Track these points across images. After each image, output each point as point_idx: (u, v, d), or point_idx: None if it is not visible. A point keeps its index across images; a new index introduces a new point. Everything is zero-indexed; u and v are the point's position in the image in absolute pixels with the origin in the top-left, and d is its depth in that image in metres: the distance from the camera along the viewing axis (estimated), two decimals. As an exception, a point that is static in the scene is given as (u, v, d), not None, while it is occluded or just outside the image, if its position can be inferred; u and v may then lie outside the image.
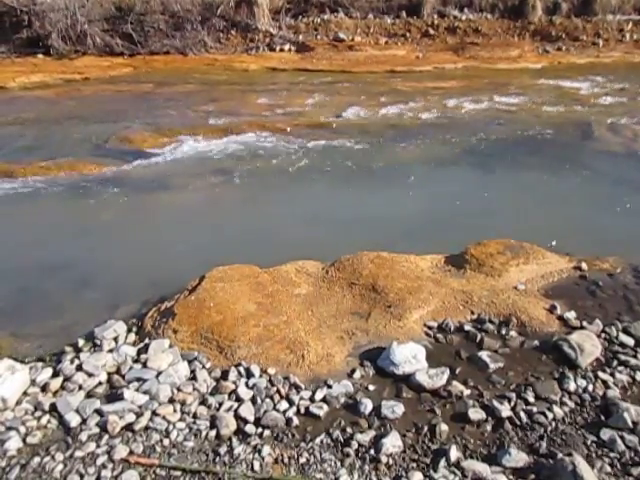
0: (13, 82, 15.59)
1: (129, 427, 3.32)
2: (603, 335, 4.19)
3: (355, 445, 3.20)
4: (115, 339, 4.15)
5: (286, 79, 16.57)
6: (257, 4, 21.28)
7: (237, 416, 3.41)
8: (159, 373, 3.75)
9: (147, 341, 4.13)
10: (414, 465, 3.08)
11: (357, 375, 3.80)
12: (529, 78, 16.09)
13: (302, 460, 3.11)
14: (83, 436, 3.25)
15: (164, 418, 3.39)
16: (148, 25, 20.42)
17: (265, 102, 13.24)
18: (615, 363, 3.89)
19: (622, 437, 3.19)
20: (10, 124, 11.23)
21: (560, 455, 3.03)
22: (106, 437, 3.25)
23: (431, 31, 21.55)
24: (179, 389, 3.64)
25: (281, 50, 20.69)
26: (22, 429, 3.31)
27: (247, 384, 3.69)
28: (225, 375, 3.78)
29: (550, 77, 16.04)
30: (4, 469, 3.04)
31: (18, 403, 3.53)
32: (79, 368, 3.82)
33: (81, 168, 8.49)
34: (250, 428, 3.32)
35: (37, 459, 3.11)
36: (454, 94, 13.75)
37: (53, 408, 3.48)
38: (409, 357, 3.81)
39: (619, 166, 8.64)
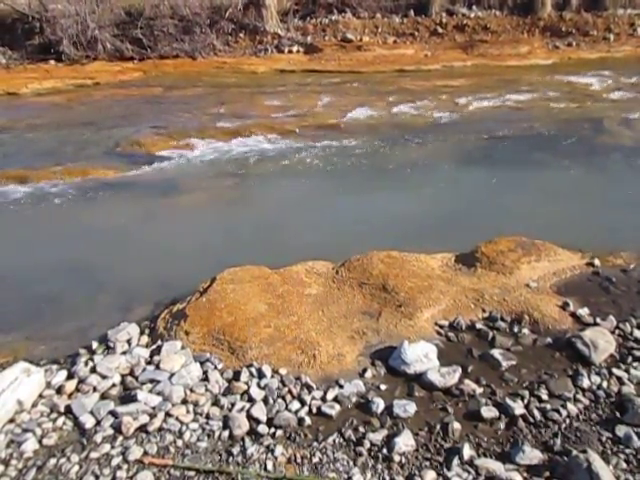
0: (26, 88, 15.78)
1: (143, 428, 3.35)
2: (617, 331, 4.15)
3: (367, 444, 3.20)
4: (128, 341, 4.18)
5: (294, 80, 16.60)
6: (265, 6, 21.37)
7: (249, 416, 3.42)
8: (172, 374, 3.78)
9: (160, 343, 4.16)
10: (427, 464, 3.07)
11: (368, 374, 3.80)
12: (539, 74, 15.98)
13: (315, 460, 3.12)
14: (98, 437, 3.29)
15: (177, 419, 3.42)
16: (157, 29, 20.59)
17: (274, 104, 13.27)
18: (630, 359, 3.85)
19: (638, 433, 3.16)
20: (23, 130, 11.37)
21: (575, 452, 3.01)
22: (120, 438, 3.28)
23: (439, 29, 21.50)
24: (192, 390, 3.66)
25: (289, 52, 20.74)
26: (38, 431, 3.35)
27: (259, 384, 3.70)
28: (237, 376, 3.80)
29: (561, 73, 15.92)
30: (21, 471, 3.08)
31: (34, 405, 3.57)
32: (93, 370, 3.85)
33: (93, 172, 8.58)
34: (263, 428, 3.34)
35: (53, 460, 3.14)
36: (463, 92, 13.69)
37: (68, 410, 3.51)
38: (420, 356, 3.80)
39: (632, 161, 8.55)
